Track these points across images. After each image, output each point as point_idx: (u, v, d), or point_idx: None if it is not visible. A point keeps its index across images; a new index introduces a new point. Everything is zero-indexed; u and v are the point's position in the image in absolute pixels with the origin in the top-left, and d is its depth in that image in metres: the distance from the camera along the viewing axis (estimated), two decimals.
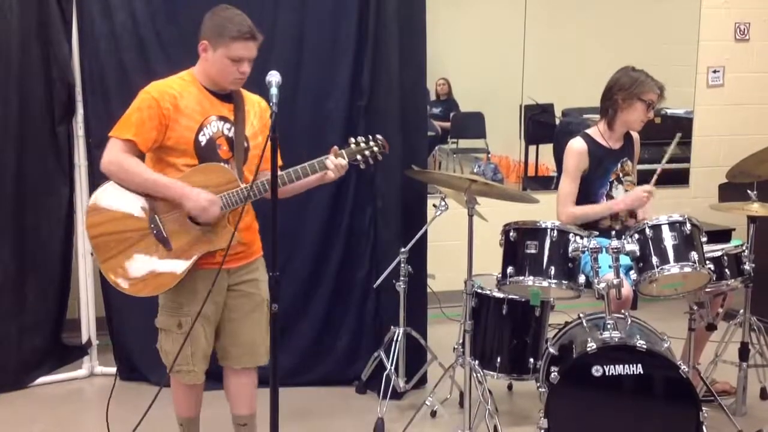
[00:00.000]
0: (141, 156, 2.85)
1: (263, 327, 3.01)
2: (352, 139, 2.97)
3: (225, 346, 3.03)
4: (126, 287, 2.87)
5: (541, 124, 5.65)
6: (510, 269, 3.35)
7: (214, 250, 2.84)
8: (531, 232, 3.36)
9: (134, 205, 2.83)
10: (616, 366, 3.02)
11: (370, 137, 2.98)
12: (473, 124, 5.67)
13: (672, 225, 3.29)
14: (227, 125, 2.89)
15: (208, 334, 2.96)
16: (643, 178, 4.23)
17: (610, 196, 3.80)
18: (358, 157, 2.96)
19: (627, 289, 3.36)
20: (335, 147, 2.94)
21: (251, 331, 3.00)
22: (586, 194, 3.78)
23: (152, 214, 2.83)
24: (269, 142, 2.48)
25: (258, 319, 3.00)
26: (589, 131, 3.84)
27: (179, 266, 2.84)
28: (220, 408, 3.21)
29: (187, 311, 2.88)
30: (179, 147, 2.83)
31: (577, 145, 3.77)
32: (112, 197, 2.85)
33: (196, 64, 2.93)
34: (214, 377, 3.13)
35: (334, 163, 2.89)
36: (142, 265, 2.84)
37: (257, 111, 3.01)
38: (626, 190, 3.81)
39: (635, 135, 3.92)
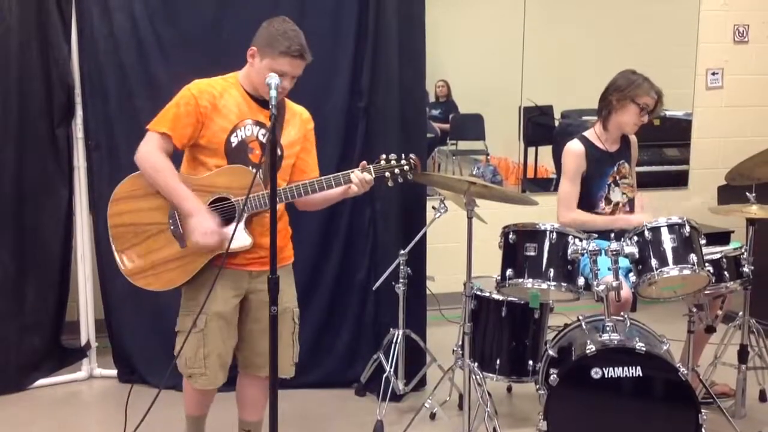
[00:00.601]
0: (175, 151, 2.86)
1: (286, 337, 2.98)
2: (383, 156, 2.92)
3: (247, 355, 3.01)
4: (136, 279, 2.90)
5: (541, 126, 5.65)
6: (509, 271, 3.36)
7: (236, 252, 2.82)
8: (530, 234, 3.36)
9: (156, 200, 2.86)
10: (616, 368, 3.03)
11: (403, 155, 2.92)
12: (472, 126, 5.67)
13: (671, 227, 3.30)
14: (263, 131, 2.89)
15: (225, 336, 2.92)
16: (642, 180, 4.23)
17: (608, 199, 3.79)
18: (387, 174, 2.90)
19: (626, 292, 3.36)
20: (364, 162, 2.91)
21: None
22: (585, 196, 3.78)
23: (172, 210, 2.85)
24: (269, 145, 2.49)
25: (280, 329, 2.88)
26: (585, 133, 3.85)
27: (191, 264, 2.85)
28: (224, 410, 3.20)
29: (204, 309, 2.83)
30: (210, 146, 2.85)
31: (574, 147, 3.78)
32: (136, 189, 2.88)
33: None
34: None
35: (359, 177, 2.86)
36: (155, 259, 2.87)
37: (297, 122, 3.01)
38: (623, 193, 3.82)
39: (632, 138, 3.93)
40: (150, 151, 2.83)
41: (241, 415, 3.14)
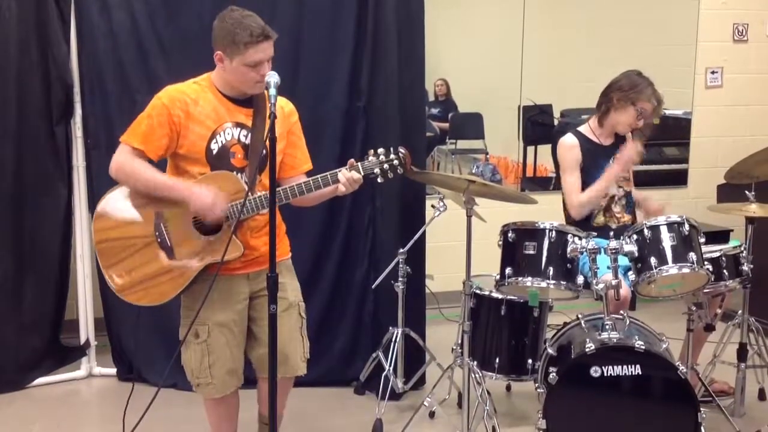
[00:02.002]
0: (153, 163, 2.80)
1: (294, 332, 2.94)
2: (372, 151, 2.81)
3: (259, 356, 2.95)
4: (126, 295, 2.84)
5: (540, 125, 5.65)
6: (508, 270, 3.35)
7: (228, 260, 2.76)
8: (529, 232, 3.36)
9: (141, 212, 2.80)
10: (615, 367, 3.03)
11: (392, 149, 2.79)
12: (472, 125, 5.67)
13: (670, 226, 3.30)
14: (244, 132, 2.82)
15: (231, 345, 2.87)
16: (641, 179, 4.23)
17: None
18: (376, 170, 2.78)
19: (625, 290, 3.36)
20: (352, 160, 2.82)
21: (282, 339, 2.74)
22: (582, 189, 3.79)
23: (158, 221, 2.79)
24: (270, 144, 2.46)
25: (288, 324, 2.89)
26: (580, 128, 3.87)
27: (181, 276, 2.80)
28: (243, 408, 3.18)
29: (203, 319, 2.80)
30: (191, 155, 2.78)
31: (568, 141, 3.80)
32: (120, 203, 2.82)
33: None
34: None
35: (346, 176, 2.76)
36: (144, 273, 2.80)
37: (279, 116, 2.87)
38: (620, 187, 3.83)
39: (628, 134, 3.93)
40: (123, 161, 2.76)
41: (261, 409, 3.13)
